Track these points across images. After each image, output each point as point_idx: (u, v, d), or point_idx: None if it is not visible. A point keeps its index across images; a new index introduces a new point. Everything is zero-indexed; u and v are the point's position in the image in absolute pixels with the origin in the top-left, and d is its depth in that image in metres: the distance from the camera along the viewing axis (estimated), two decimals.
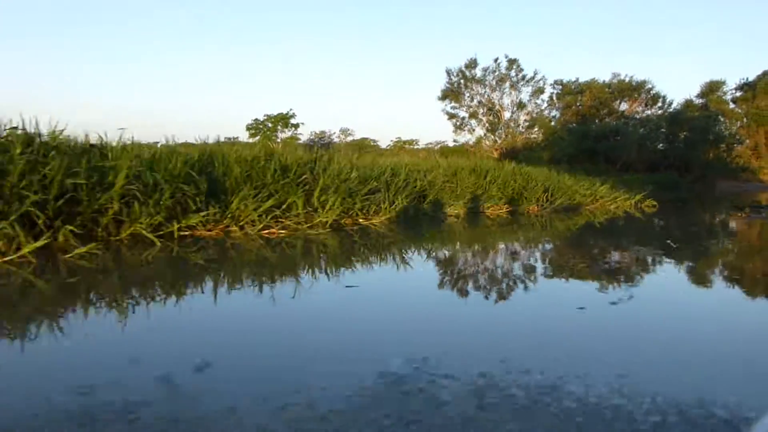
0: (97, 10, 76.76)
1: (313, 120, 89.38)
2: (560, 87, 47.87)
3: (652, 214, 15.68)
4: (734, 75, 78.67)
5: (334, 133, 59.77)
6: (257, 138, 51.39)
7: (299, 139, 52.74)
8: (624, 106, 44.47)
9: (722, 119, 39.82)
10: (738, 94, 45.10)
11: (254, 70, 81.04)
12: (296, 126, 54.07)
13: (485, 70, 40.41)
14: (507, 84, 40.61)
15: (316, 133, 59.60)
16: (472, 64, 40.46)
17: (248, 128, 54.04)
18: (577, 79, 46.33)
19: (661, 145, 36.49)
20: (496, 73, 40.14)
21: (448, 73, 39.47)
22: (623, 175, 32.05)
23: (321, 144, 60.93)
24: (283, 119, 55.19)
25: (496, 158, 41.57)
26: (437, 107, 68.99)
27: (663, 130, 35.32)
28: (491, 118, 40.64)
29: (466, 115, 40.59)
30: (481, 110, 40.67)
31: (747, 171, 37.88)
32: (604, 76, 49.68)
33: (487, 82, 40.15)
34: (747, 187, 35.47)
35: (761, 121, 42.03)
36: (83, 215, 6.26)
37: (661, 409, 2.26)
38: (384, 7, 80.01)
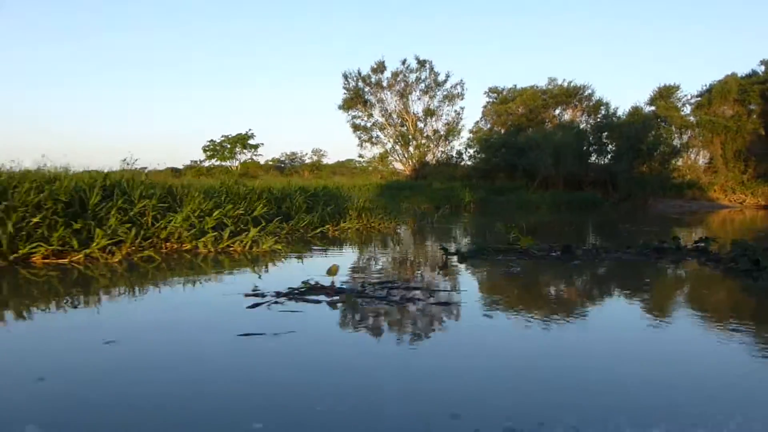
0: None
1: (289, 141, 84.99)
2: (495, 95, 42.53)
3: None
4: (698, 82, 73.19)
5: (306, 153, 56.94)
6: (213, 160, 48.21)
7: (258, 161, 50.13)
8: (567, 116, 38.93)
9: (664, 125, 34.03)
10: (694, 100, 39.38)
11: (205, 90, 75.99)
12: (255, 147, 50.40)
13: (396, 74, 34.87)
14: (419, 90, 35.00)
15: (287, 154, 56.88)
16: (380, 67, 34.92)
17: (205, 150, 50.32)
18: (515, 86, 40.86)
19: (593, 157, 30.72)
20: (409, 78, 34.57)
21: (346, 77, 33.88)
22: (522, 194, 26.30)
23: (291, 164, 57.45)
24: (242, 140, 51.15)
25: (407, 175, 35.99)
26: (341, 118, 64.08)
27: (591, 139, 29.51)
28: (403, 129, 34.92)
29: (372, 125, 34.91)
30: (389, 120, 35.01)
31: (695, 188, 31.92)
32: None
33: (395, 88, 34.54)
34: (691, 207, 29.54)
35: (716, 130, 36.17)
36: None
37: None
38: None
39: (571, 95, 38.73)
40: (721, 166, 36.54)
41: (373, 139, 34.90)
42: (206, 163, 47.59)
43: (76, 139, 60.34)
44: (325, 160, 55.20)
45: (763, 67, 39.12)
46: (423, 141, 34.56)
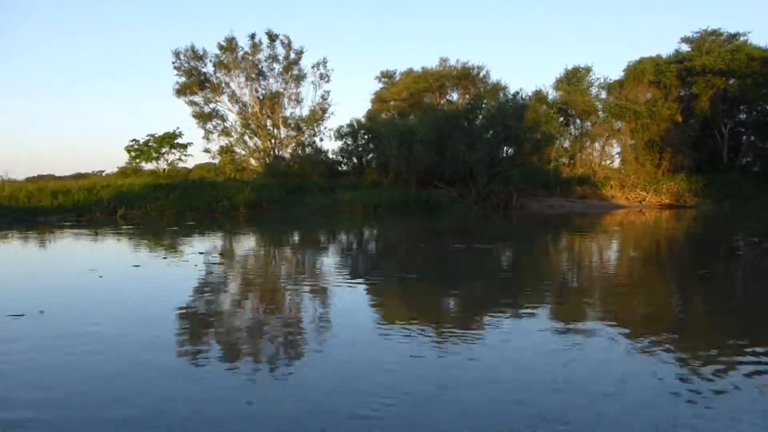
0: None
1: None
2: (387, 80, 37.12)
3: None
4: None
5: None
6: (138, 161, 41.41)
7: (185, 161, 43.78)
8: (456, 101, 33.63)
9: (548, 109, 28.79)
10: (606, 82, 34.17)
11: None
12: (184, 146, 44.19)
13: (254, 50, 29.26)
14: (276, 72, 29.40)
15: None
16: (231, 45, 29.27)
17: (128, 150, 43.87)
18: (411, 69, 35.40)
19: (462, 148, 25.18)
20: (258, 56, 29.01)
21: (178, 55, 28.22)
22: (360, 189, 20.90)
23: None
24: (169, 138, 44.88)
25: (260, 172, 30.38)
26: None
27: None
28: (254, 117, 29.28)
29: (213, 112, 29.29)
30: (239, 107, 29.43)
31: (587, 184, 26.62)
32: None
33: (242, 67, 28.94)
34: (575, 207, 24.25)
35: (625, 117, 30.96)
36: None
37: None
38: None
39: (461, 77, 33.47)
40: (629, 158, 31.35)
41: (219, 130, 29.26)
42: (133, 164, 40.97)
43: None
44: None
45: (685, 46, 34.07)
46: (276, 131, 28.97)
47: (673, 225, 17.23)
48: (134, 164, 33.98)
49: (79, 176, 32.43)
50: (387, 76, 37.01)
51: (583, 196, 26.01)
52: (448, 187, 22.93)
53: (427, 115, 24.78)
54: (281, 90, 29.19)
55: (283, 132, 29.72)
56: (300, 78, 28.87)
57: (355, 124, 27.92)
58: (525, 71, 64.20)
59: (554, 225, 17.19)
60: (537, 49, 65.51)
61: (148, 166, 32.59)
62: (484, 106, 25.15)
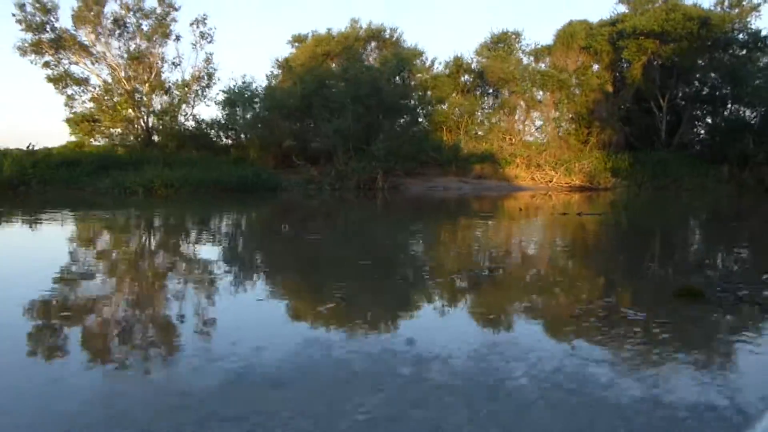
0: None
1: None
2: (299, 44, 33.24)
3: None
4: None
5: None
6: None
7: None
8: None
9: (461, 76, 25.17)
10: (534, 48, 30.48)
11: None
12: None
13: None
14: (146, 27, 25.51)
15: None
16: None
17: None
18: (330, 30, 31.48)
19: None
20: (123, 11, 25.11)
21: (21, 6, 24.26)
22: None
23: None
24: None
25: (128, 145, 26.77)
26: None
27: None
28: (122, 82, 25.47)
29: (65, 75, 25.49)
30: (99, 69, 25.64)
31: (488, 162, 23.11)
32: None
33: (105, 22, 25.06)
34: (464, 190, 20.81)
35: (547, 85, 27.35)
36: None
37: None
38: None
39: (370, 40, 29.71)
40: (552, 133, 27.83)
41: (78, 96, 25.51)
42: None
43: None
44: None
45: (622, 6, 30.26)
46: (146, 98, 25.23)
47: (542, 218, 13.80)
48: None
49: None
50: (299, 40, 33.05)
51: (481, 176, 22.53)
52: (308, 165, 19.40)
53: (298, 79, 21.14)
54: (152, 50, 25.38)
55: (158, 100, 25.98)
56: (165, 35, 24.99)
57: (232, 92, 24.20)
58: (454, 39, 59.44)
59: (411, 213, 13.77)
60: (466, 15, 59.52)
61: None
62: (363, 68, 21.47)
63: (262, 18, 59.38)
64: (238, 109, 24.04)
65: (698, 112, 28.37)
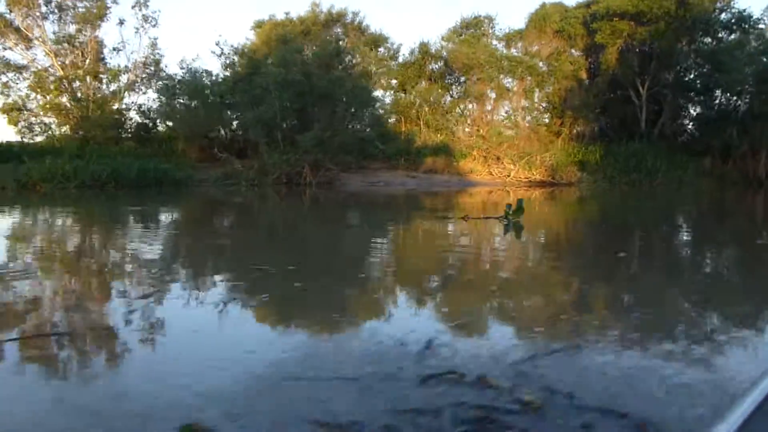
0: None
1: None
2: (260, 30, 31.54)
3: None
4: None
5: None
6: None
7: None
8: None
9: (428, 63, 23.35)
10: (506, 33, 28.51)
11: None
12: None
13: None
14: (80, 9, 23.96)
15: None
16: None
17: None
18: (288, 14, 29.71)
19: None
20: None
21: None
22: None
23: None
24: None
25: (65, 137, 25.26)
26: None
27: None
28: (60, 67, 23.95)
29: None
30: (31, 53, 24.20)
31: (442, 155, 21.29)
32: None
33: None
34: (408, 185, 19.03)
35: (515, 72, 25.42)
36: None
37: None
38: None
39: (328, 24, 27.92)
40: (521, 124, 25.90)
41: (13, 84, 24.05)
42: None
43: None
44: None
45: None
46: (82, 83, 23.68)
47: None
48: None
49: None
50: (260, 26, 31.47)
51: (433, 171, 20.71)
52: (231, 158, 17.70)
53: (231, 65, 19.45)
54: (87, 34, 23.80)
55: (92, 87, 24.40)
56: (100, 17, 23.35)
57: (170, 79, 22.58)
58: (426, 25, 57.00)
59: (332, 213, 12.08)
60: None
61: None
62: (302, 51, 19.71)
63: (225, 4, 57.06)
64: (179, 99, 22.49)
65: (681, 100, 26.22)
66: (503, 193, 17.91)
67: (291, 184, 17.21)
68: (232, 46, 27.77)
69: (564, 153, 22.28)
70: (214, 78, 19.97)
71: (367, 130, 18.65)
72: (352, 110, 17.99)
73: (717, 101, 25.27)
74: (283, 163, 16.62)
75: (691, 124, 26.80)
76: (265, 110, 16.87)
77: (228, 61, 26.92)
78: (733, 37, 24.11)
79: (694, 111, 26.73)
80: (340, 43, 21.13)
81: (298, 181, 17.22)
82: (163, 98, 18.95)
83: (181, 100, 19.17)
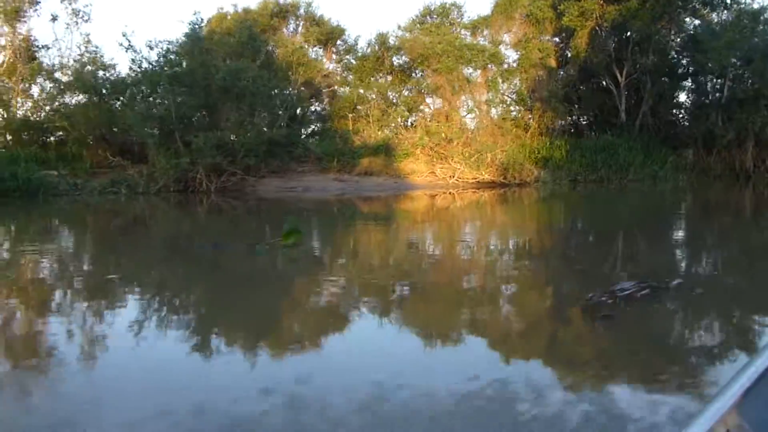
0: None
1: None
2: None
3: None
4: None
5: None
6: None
7: None
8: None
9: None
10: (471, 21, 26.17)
11: None
12: None
13: None
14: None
15: None
16: None
17: None
18: (235, 6, 27.82)
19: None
20: None
21: None
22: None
23: None
24: None
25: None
26: None
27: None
28: None
29: None
30: None
31: (381, 155, 19.14)
32: None
33: None
34: (332, 189, 16.96)
35: (476, 61, 23.11)
36: None
37: None
38: None
39: (277, 16, 25.99)
40: (485, 119, 23.53)
41: None
42: None
43: None
44: None
45: None
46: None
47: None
48: None
49: None
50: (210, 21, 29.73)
51: (368, 173, 18.56)
52: (122, 162, 15.85)
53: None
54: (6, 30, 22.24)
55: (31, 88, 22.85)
56: (15, 11, 21.68)
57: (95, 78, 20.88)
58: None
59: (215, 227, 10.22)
60: None
61: None
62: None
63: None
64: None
65: (662, 87, 23.45)
66: (448, 197, 15.77)
67: (187, 191, 15.30)
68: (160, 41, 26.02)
69: (522, 149, 19.91)
70: (114, 73, 18.17)
71: (282, 126, 16.54)
72: (258, 107, 15.92)
73: (700, 86, 22.50)
74: (170, 168, 14.68)
75: (673, 111, 23.97)
76: (148, 106, 15.00)
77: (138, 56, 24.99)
78: (715, 15, 21.34)
79: (675, 99, 23.95)
80: (252, 29, 19.07)
81: (195, 188, 15.28)
82: (46, 92, 17.24)
83: (72, 99, 17.43)
